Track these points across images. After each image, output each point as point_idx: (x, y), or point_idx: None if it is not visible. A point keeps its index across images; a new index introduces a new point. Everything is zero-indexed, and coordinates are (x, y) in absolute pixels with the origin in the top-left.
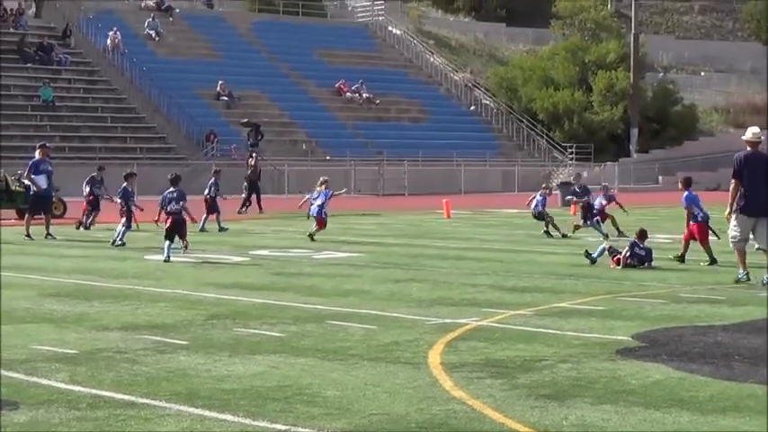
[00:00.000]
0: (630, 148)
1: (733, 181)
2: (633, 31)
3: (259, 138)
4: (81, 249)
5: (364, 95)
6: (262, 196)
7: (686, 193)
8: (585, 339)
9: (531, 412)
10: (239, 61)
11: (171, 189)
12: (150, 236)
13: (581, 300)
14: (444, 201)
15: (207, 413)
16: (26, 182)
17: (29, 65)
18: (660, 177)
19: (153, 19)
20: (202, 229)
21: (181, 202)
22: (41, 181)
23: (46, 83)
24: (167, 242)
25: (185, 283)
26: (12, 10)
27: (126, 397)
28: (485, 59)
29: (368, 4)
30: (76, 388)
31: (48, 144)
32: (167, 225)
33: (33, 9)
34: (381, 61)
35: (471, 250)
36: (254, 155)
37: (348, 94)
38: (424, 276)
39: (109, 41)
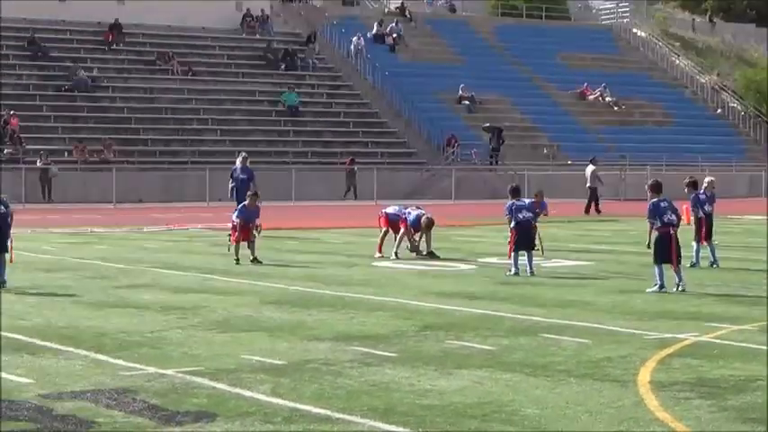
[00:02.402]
0: None
1: None
2: None
3: (500, 142)
4: (311, 255)
5: (608, 99)
6: None
7: None
8: None
9: None
10: (481, 65)
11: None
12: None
13: None
14: (684, 207)
15: (400, 430)
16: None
17: (274, 71)
18: None
19: (396, 24)
20: None
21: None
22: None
23: (291, 88)
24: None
25: (407, 292)
26: (257, 17)
27: (323, 411)
28: (732, 61)
29: (612, 6)
30: (276, 400)
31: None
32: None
33: (280, 16)
34: (625, 64)
35: (703, 259)
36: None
37: (591, 97)
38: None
39: (352, 46)
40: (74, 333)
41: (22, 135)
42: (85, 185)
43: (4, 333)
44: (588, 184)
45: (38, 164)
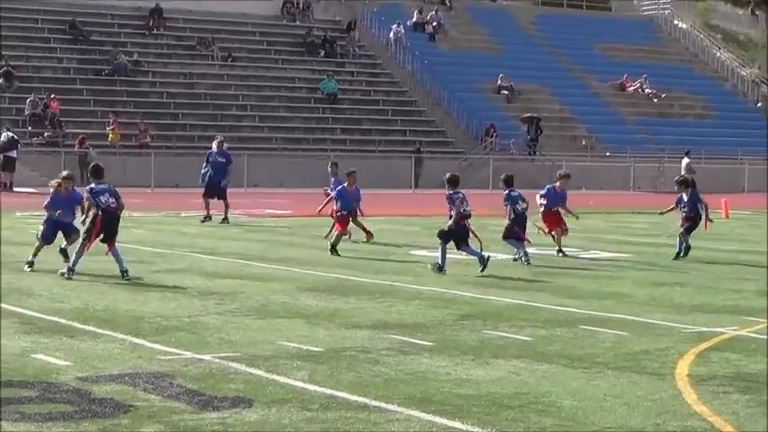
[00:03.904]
0: None
1: None
2: None
3: (538, 133)
4: (347, 243)
5: (647, 91)
6: None
7: None
8: None
9: None
10: (521, 55)
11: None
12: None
13: None
14: (723, 200)
15: (437, 419)
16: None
17: (313, 57)
18: None
19: (436, 12)
20: None
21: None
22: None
23: (329, 75)
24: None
25: (444, 281)
26: (298, 3)
27: (360, 399)
28: None
29: None
30: (313, 387)
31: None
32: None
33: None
34: (666, 56)
35: (744, 253)
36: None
37: (631, 89)
38: (689, 280)
39: (392, 34)
40: (112, 317)
41: (61, 119)
42: (124, 169)
43: (42, 316)
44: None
45: (76, 148)
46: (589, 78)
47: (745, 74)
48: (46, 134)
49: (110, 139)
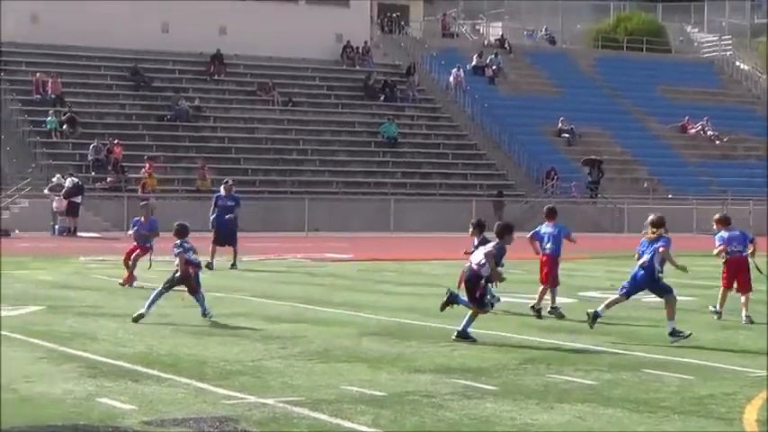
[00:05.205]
0: None
1: None
2: None
3: (600, 175)
4: (410, 287)
5: (709, 133)
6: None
7: None
8: None
9: None
10: (581, 97)
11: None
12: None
13: None
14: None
15: None
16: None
17: (373, 101)
18: None
19: (495, 56)
20: None
21: None
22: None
23: (390, 119)
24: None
25: (508, 325)
26: (357, 48)
27: None
28: None
29: (714, 38)
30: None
31: (230, 181)
32: None
33: (380, 47)
34: (728, 98)
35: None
36: None
37: (692, 131)
38: (755, 325)
39: (452, 78)
40: (175, 361)
41: (124, 164)
42: (185, 214)
43: (107, 360)
44: None
45: (139, 192)
46: (650, 120)
47: None
48: (109, 179)
49: (147, 183)
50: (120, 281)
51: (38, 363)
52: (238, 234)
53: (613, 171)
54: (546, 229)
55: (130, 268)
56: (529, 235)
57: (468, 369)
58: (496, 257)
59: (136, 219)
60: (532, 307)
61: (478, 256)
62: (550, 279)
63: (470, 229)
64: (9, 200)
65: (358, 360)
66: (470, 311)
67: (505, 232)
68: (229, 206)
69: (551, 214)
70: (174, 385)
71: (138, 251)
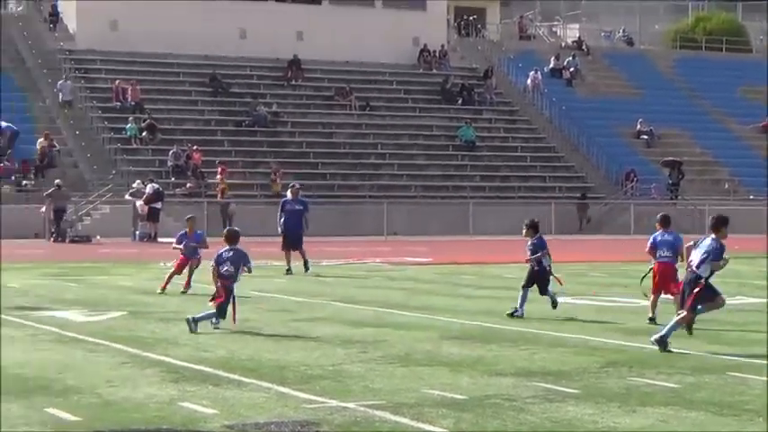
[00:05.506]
0: None
1: None
2: None
3: (680, 177)
4: (490, 290)
5: None
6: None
7: None
8: None
9: None
10: (660, 99)
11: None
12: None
13: None
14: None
15: None
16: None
17: (451, 105)
18: None
19: (573, 58)
20: None
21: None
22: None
23: (468, 123)
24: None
25: (588, 329)
26: (434, 52)
27: None
28: None
29: None
30: None
31: (297, 185)
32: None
33: (457, 51)
34: None
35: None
36: None
37: None
38: None
39: (529, 81)
40: (256, 365)
41: (203, 170)
42: (264, 219)
43: (188, 365)
44: None
45: (218, 198)
46: (730, 121)
47: None
48: (188, 185)
49: (225, 189)
50: (181, 289)
51: (120, 368)
52: (314, 238)
53: (693, 173)
54: (662, 237)
55: (187, 276)
56: (647, 248)
57: (549, 372)
58: (716, 255)
59: (181, 233)
60: (651, 318)
61: (696, 259)
62: (667, 288)
63: (524, 230)
64: (90, 206)
65: (439, 364)
66: (676, 318)
67: (721, 225)
68: (297, 210)
69: (665, 222)
70: (256, 390)
71: (190, 263)
